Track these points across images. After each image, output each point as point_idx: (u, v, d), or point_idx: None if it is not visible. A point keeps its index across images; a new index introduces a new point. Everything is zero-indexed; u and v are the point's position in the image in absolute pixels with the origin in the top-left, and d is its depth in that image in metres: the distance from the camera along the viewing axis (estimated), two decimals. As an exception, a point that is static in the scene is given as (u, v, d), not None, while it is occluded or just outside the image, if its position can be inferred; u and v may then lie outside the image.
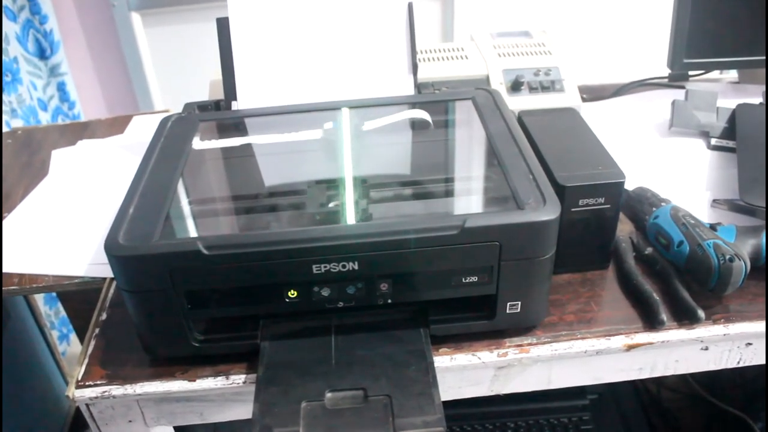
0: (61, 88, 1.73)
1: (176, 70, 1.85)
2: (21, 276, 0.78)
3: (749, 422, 1.13)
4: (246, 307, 0.60)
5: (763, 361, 0.69)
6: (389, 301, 0.60)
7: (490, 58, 0.99)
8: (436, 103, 0.81)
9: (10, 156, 1.08)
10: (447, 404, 0.57)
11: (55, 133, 1.14)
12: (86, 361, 0.65)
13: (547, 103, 0.94)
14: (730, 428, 1.19)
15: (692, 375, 1.21)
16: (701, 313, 0.64)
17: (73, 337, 1.73)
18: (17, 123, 1.54)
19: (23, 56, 1.60)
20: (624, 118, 1.04)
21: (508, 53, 1.00)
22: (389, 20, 0.81)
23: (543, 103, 0.93)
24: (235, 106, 0.81)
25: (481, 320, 0.63)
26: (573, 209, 0.67)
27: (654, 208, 0.74)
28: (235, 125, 0.81)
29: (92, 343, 0.67)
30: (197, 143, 0.74)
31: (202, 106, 0.82)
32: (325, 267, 0.56)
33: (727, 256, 0.63)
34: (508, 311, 0.61)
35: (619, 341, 0.64)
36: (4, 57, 1.50)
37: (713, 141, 0.93)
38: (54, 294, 1.58)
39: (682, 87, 1.07)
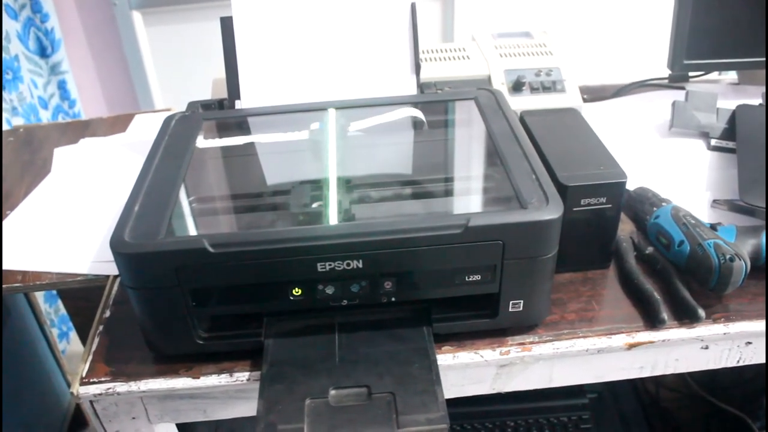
0: (62, 86, 1.73)
1: (177, 69, 1.85)
2: (24, 273, 0.79)
3: (748, 421, 1.14)
4: (250, 304, 0.60)
5: (763, 360, 0.70)
6: (393, 299, 0.60)
7: (491, 58, 0.99)
8: (439, 102, 0.81)
9: (12, 154, 1.08)
10: (447, 402, 0.57)
11: (57, 132, 1.14)
12: (90, 358, 0.65)
13: (549, 103, 0.94)
14: (729, 427, 1.19)
15: (691, 374, 1.22)
16: (701, 313, 0.64)
17: (73, 335, 1.73)
18: (18, 121, 1.54)
19: (24, 54, 1.60)
20: (624, 118, 1.04)
21: (510, 54, 1.00)
22: (392, 20, 0.81)
23: (544, 104, 0.94)
24: (239, 105, 0.81)
25: (483, 319, 0.63)
26: (575, 209, 0.67)
27: (655, 208, 0.75)
28: (239, 124, 0.82)
29: (96, 340, 0.67)
30: (201, 142, 0.75)
31: (206, 105, 0.82)
32: (329, 265, 0.56)
33: (728, 256, 0.64)
34: (510, 310, 0.62)
35: (620, 340, 0.64)
36: (5, 55, 1.50)
37: (713, 142, 0.94)
38: (54, 292, 1.58)
39: (683, 88, 1.07)
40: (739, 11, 1.03)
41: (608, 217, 0.69)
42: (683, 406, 1.27)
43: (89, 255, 0.80)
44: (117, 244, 0.56)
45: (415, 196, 0.69)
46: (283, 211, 0.67)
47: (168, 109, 1.21)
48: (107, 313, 0.71)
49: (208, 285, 0.58)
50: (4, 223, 0.88)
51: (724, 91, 1.11)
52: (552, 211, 0.57)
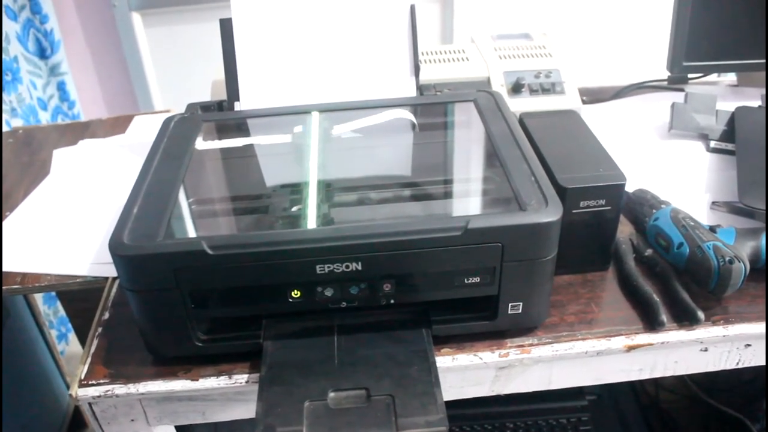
0: (61, 87, 1.73)
1: (176, 71, 1.85)
2: (23, 275, 0.78)
3: (747, 423, 1.14)
4: (249, 306, 0.60)
5: (763, 363, 0.69)
6: (392, 301, 0.60)
7: (491, 60, 0.99)
8: (438, 104, 0.81)
9: (11, 155, 1.08)
10: (446, 404, 0.57)
11: (56, 133, 1.14)
12: (89, 360, 0.65)
13: (548, 105, 0.94)
14: (728, 429, 1.19)
15: (690, 376, 1.22)
16: (701, 315, 0.64)
17: (72, 336, 1.73)
18: (17, 122, 1.54)
19: (23, 55, 1.60)
20: (624, 120, 1.04)
21: (509, 55, 1.00)
22: (392, 22, 0.81)
23: (543, 105, 0.94)
24: (238, 106, 0.81)
25: (482, 321, 0.63)
26: (574, 211, 0.67)
27: (654, 210, 0.75)
28: (238, 126, 0.81)
29: (95, 342, 0.67)
30: (201, 143, 0.75)
31: (205, 107, 0.82)
32: (328, 267, 0.56)
33: (727, 258, 0.64)
34: (509, 312, 0.62)
35: (620, 342, 0.64)
36: (4, 56, 1.50)
37: (712, 143, 0.94)
38: (53, 293, 1.58)
39: (682, 90, 1.07)
40: (738, 13, 1.03)
41: (607, 219, 0.69)
42: (683, 407, 1.27)
43: (88, 256, 0.80)
44: (115, 246, 0.56)
45: (415, 198, 0.69)
46: (281, 213, 0.67)
47: (167, 111, 1.21)
48: (106, 315, 0.71)
49: (207, 287, 0.58)
50: (3, 224, 0.88)
51: (723, 92, 1.11)
52: (551, 214, 0.57)
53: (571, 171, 0.68)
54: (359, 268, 0.56)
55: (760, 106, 0.96)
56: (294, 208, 0.65)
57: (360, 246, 0.56)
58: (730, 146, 0.92)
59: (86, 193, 0.94)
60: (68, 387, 1.33)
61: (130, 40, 1.79)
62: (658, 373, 0.69)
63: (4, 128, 1.42)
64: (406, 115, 0.78)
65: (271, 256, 0.56)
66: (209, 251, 0.55)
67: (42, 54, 1.67)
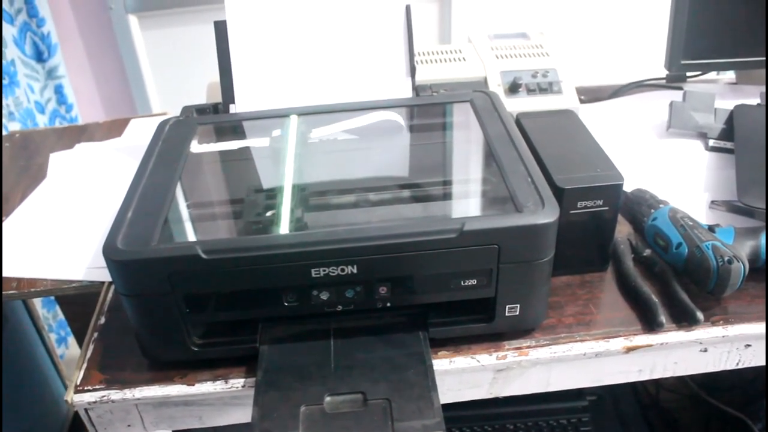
0: (59, 90, 1.72)
1: (174, 73, 1.85)
2: (19, 280, 0.78)
3: (748, 423, 1.13)
4: (245, 310, 0.60)
5: (763, 363, 0.69)
6: (388, 304, 0.60)
7: (487, 59, 0.99)
8: (433, 105, 0.81)
9: (8, 159, 1.07)
10: (445, 406, 0.57)
11: (53, 137, 1.14)
12: (85, 365, 0.65)
13: (545, 104, 0.94)
14: (729, 429, 1.19)
15: (691, 376, 1.21)
16: (700, 315, 0.64)
17: (71, 340, 1.73)
18: (14, 126, 1.53)
19: (20, 59, 1.60)
20: (622, 119, 1.04)
21: (506, 55, 1.00)
22: (387, 22, 0.81)
23: (541, 105, 0.93)
24: (233, 109, 0.81)
25: (480, 323, 0.63)
26: (571, 211, 0.67)
27: (652, 210, 0.74)
28: (234, 128, 0.81)
29: (91, 347, 0.67)
30: (195, 147, 0.74)
31: (200, 110, 0.82)
32: (324, 271, 0.56)
33: (726, 258, 0.63)
34: (507, 314, 0.61)
35: (618, 343, 0.64)
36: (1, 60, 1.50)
37: (711, 142, 0.93)
38: (52, 297, 1.58)
39: (680, 88, 1.07)
40: (736, 10, 1.02)
41: (605, 220, 0.68)
42: (683, 407, 1.26)
43: (84, 261, 0.80)
44: (109, 251, 0.56)
45: (410, 200, 0.69)
46: (276, 216, 0.67)
47: (164, 113, 1.21)
48: (102, 320, 0.70)
49: (202, 291, 0.58)
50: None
51: (722, 91, 1.10)
52: (548, 215, 0.57)
53: (568, 171, 0.67)
54: (354, 271, 0.56)
55: (759, 104, 0.95)
56: (291, 211, 0.65)
57: (355, 249, 0.55)
58: (729, 145, 0.92)
59: (83, 197, 0.94)
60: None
61: (127, 42, 1.79)
62: (657, 374, 0.68)
63: (2, 132, 1.42)
64: (394, 116, 0.78)
65: (265, 260, 0.55)
66: (203, 255, 0.54)
67: (39, 57, 1.66)
